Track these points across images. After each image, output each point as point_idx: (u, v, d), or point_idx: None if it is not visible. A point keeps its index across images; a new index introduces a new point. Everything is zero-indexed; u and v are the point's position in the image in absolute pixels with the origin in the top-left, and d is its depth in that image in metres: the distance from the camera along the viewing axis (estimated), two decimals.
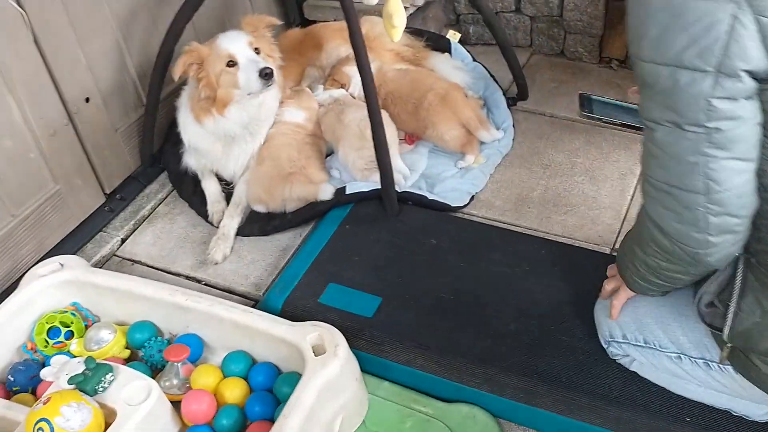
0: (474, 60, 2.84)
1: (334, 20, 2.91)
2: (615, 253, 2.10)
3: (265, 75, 2.16)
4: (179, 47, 2.26)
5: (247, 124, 2.30)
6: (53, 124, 2.19)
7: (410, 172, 2.40)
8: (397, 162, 2.34)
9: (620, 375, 1.67)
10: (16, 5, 1.99)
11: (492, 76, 2.76)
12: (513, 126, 2.59)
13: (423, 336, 1.83)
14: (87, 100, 2.29)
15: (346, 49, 2.64)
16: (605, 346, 1.68)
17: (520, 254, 2.04)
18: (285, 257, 2.23)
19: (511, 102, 2.71)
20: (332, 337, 1.69)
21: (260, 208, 2.31)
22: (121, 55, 2.39)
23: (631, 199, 2.31)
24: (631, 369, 1.66)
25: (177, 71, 2.19)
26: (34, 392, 1.80)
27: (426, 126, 2.43)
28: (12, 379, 1.82)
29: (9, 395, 1.80)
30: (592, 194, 2.34)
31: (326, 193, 2.26)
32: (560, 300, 1.88)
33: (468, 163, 2.41)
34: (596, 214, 2.27)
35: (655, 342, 1.55)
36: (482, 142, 2.48)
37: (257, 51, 2.24)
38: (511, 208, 2.32)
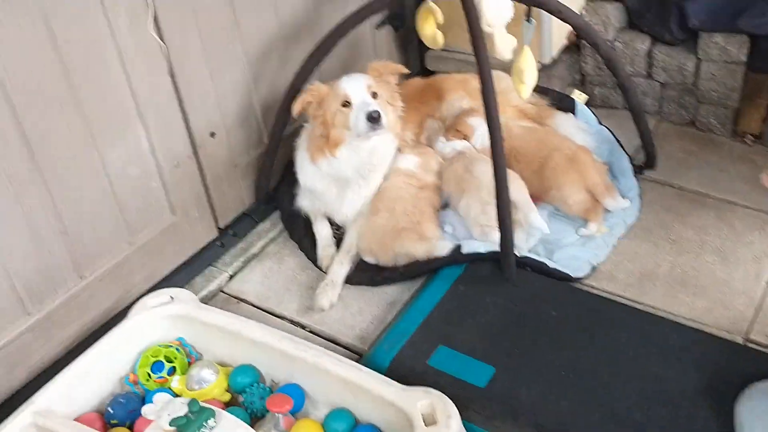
0: (599, 123, 2.74)
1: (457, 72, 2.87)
2: (749, 344, 1.95)
3: (372, 118, 2.15)
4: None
5: (359, 167, 2.28)
6: (178, 155, 2.21)
7: (528, 238, 2.29)
8: (536, 218, 2.24)
9: None
10: (157, 37, 2.03)
11: (618, 141, 2.64)
12: (639, 196, 2.46)
13: (540, 415, 1.71)
14: (212, 134, 2.30)
15: (467, 102, 2.59)
16: None
17: (648, 335, 1.89)
18: (392, 311, 2.15)
19: (638, 170, 2.57)
20: (444, 407, 1.59)
21: (371, 260, 2.24)
22: (249, 92, 2.41)
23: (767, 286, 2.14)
24: None
25: (296, 108, 2.23)
26: (131, 427, 1.77)
27: (550, 187, 2.33)
28: (112, 411, 1.80)
29: (106, 428, 1.78)
30: (724, 277, 2.17)
31: (442, 250, 2.18)
32: (692, 390, 1.73)
33: (591, 231, 2.29)
34: (728, 298, 2.10)
35: None
36: (607, 210, 2.35)
37: (375, 95, 2.23)
38: (634, 283, 2.18)
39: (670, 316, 2.04)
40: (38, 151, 1.83)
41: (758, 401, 1.51)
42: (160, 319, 1.95)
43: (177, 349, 1.93)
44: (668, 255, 2.26)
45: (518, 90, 2.32)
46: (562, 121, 2.67)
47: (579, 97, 2.83)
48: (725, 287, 2.13)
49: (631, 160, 2.57)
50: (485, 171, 2.24)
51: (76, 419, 1.75)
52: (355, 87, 2.21)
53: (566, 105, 2.76)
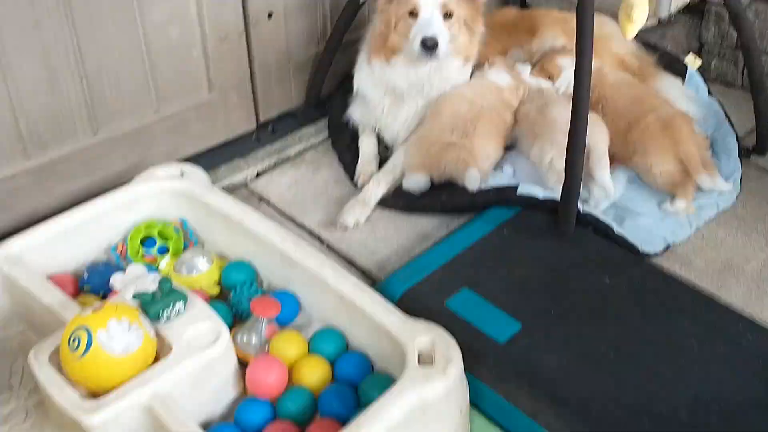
0: (709, 94, 2.36)
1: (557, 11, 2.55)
2: None
3: (426, 46, 1.90)
4: None
5: (415, 84, 2.04)
6: (227, 28, 1.99)
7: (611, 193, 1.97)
8: (604, 175, 1.93)
9: None
10: None
11: (728, 117, 2.27)
12: (740, 181, 2.09)
13: (561, 388, 1.42)
14: (270, 15, 2.08)
15: (561, 42, 2.28)
16: None
17: (717, 331, 1.56)
18: (422, 245, 1.88)
19: (745, 153, 2.19)
20: (447, 349, 1.32)
21: (417, 181, 1.96)
22: None
23: None
24: None
25: None
26: (104, 298, 1.58)
27: (635, 151, 2.00)
28: (86, 276, 1.62)
29: (77, 293, 1.59)
30: None
31: (471, 180, 1.90)
32: (754, 403, 1.40)
33: (678, 208, 1.94)
34: None
35: None
36: (699, 189, 1.99)
37: (449, 15, 1.97)
38: (714, 273, 1.83)
39: (750, 317, 1.70)
40: None
41: None
42: (165, 192, 1.76)
43: (175, 230, 1.74)
44: (761, 251, 1.90)
45: (623, 28, 1.97)
46: (667, 84, 2.32)
47: (692, 62, 2.46)
48: None
49: (739, 140, 2.20)
50: (561, 113, 1.93)
51: (50, 277, 1.57)
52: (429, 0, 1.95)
53: (676, 69, 2.40)
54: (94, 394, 1.26)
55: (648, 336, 1.54)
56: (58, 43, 1.70)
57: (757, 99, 2.13)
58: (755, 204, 2.06)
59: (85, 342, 1.22)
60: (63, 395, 1.24)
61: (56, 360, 1.30)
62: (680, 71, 2.40)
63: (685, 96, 2.30)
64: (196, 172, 1.82)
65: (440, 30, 1.94)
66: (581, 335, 1.53)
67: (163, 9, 1.85)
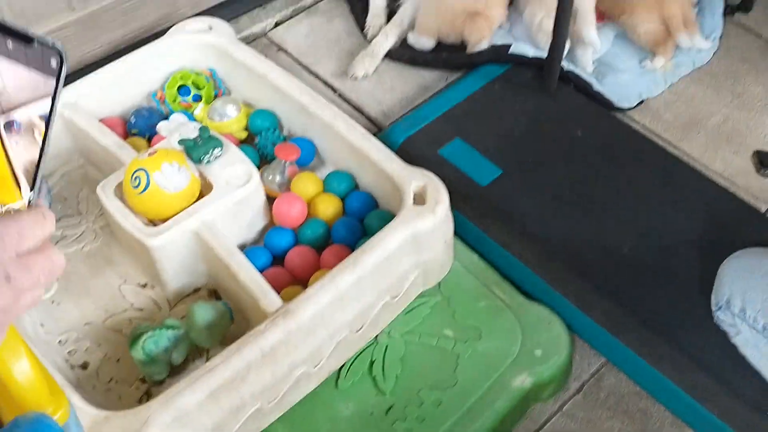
0: None
1: None
2: None
3: None
4: None
5: None
6: None
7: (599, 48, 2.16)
8: (590, 32, 2.09)
9: (717, 341, 1.52)
10: None
11: None
12: (720, 38, 2.27)
13: (530, 224, 1.73)
14: None
15: None
16: (713, 308, 1.52)
17: (668, 179, 1.84)
18: (423, 96, 2.12)
19: (729, 10, 2.35)
20: (437, 192, 1.61)
21: (424, 43, 2.15)
22: None
23: None
24: (732, 341, 1.50)
25: None
26: (149, 140, 1.86)
27: (623, 10, 2.16)
28: (133, 120, 1.88)
29: (126, 135, 1.87)
30: None
31: (482, 47, 2.09)
32: (691, 242, 1.70)
33: (656, 65, 2.14)
34: None
35: None
36: (679, 46, 2.18)
37: None
38: (679, 126, 2.08)
39: (703, 167, 1.97)
40: None
41: (745, 260, 1.48)
42: (195, 45, 1.97)
43: (207, 79, 1.97)
44: (726, 107, 2.13)
45: None
46: None
47: None
48: None
49: None
50: None
51: (101, 120, 1.84)
52: None
53: None
54: (153, 223, 1.57)
55: (608, 183, 1.82)
56: None
57: None
58: (730, 61, 2.25)
59: (145, 181, 1.51)
60: (129, 222, 1.54)
61: (119, 193, 1.59)
62: None
63: None
64: (222, 26, 2.01)
65: None
66: (551, 181, 1.82)
67: None
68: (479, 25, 2.09)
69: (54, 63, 0.70)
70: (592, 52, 2.15)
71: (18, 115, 0.72)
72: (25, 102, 0.71)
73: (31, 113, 0.71)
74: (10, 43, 0.67)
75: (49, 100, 0.70)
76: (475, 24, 2.09)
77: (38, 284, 0.68)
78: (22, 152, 0.70)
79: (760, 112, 2.11)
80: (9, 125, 0.71)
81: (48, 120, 0.70)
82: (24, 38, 0.67)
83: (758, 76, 2.21)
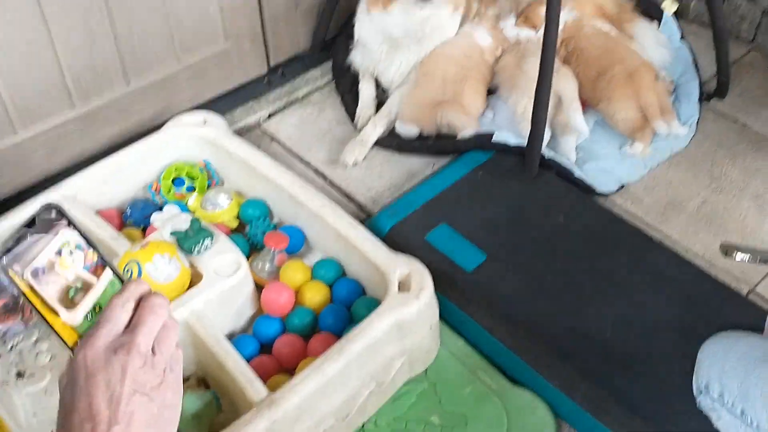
0: (682, 38, 2.58)
1: None
2: (751, 296, 1.91)
3: None
4: None
5: (410, 31, 2.25)
6: None
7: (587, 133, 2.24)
8: (577, 119, 2.18)
9: (701, 426, 1.53)
10: None
11: (696, 62, 2.50)
12: (697, 124, 2.35)
13: (514, 309, 1.76)
14: None
15: None
16: (695, 394, 1.54)
17: (647, 264, 1.88)
18: (411, 182, 2.19)
19: (705, 97, 2.45)
20: (421, 278, 1.65)
21: (410, 131, 2.24)
22: None
23: None
24: (716, 426, 1.51)
25: None
26: (144, 230, 1.92)
27: (601, 99, 2.26)
28: (129, 212, 1.95)
29: (122, 226, 1.93)
30: (753, 225, 2.10)
31: (468, 131, 2.18)
32: (672, 326, 1.73)
33: (636, 151, 2.22)
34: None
35: (755, 421, 1.39)
36: (657, 133, 2.27)
37: None
38: (659, 210, 2.14)
39: (683, 250, 2.02)
40: None
41: (721, 343, 1.51)
42: (191, 138, 2.06)
43: (200, 170, 2.04)
44: (704, 191, 2.19)
45: None
46: (643, 29, 2.53)
47: (669, 7, 2.66)
48: (750, 235, 2.07)
49: (701, 85, 2.44)
50: (536, 65, 2.18)
51: (99, 212, 1.90)
52: None
53: (653, 13, 2.61)
54: None
55: (589, 268, 1.86)
56: (94, 9, 1.95)
57: (718, 47, 2.35)
58: (707, 146, 2.33)
59: (137, 272, 1.56)
60: None
61: None
62: (657, 16, 2.62)
63: (658, 42, 2.51)
64: (216, 120, 2.10)
65: None
66: (534, 266, 1.86)
67: None
68: (457, 115, 2.19)
69: (54, 214, 0.88)
70: (577, 138, 2.22)
71: (38, 262, 0.87)
72: (41, 250, 0.88)
73: (47, 254, 0.88)
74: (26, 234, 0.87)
75: (54, 237, 0.87)
76: (452, 113, 2.19)
77: (168, 363, 0.78)
78: (52, 287, 0.86)
79: (738, 195, 2.18)
80: (35, 273, 0.86)
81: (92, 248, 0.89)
82: (27, 224, 0.87)
83: (735, 160, 2.28)
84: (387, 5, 2.23)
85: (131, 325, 0.80)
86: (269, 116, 2.42)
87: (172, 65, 2.20)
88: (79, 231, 0.91)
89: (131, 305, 0.81)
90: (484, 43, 2.34)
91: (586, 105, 2.35)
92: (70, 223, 0.90)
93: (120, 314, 0.80)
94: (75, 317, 0.87)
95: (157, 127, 2.13)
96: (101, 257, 0.92)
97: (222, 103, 2.36)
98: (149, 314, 0.80)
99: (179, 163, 2.04)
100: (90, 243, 0.91)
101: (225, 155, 2.03)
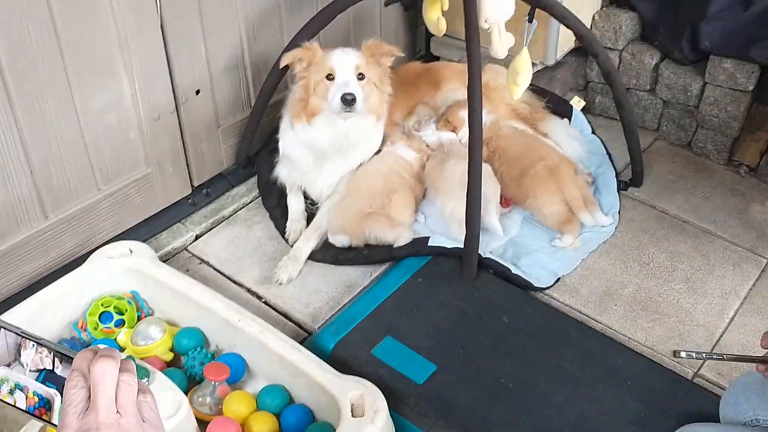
0: (593, 132, 2.70)
1: (458, 60, 2.83)
2: (697, 380, 1.93)
3: (346, 101, 2.13)
4: None
5: (335, 142, 2.27)
6: (160, 109, 2.19)
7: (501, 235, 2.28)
8: (492, 220, 2.22)
9: None
10: None
11: (609, 154, 2.61)
12: (619, 213, 2.43)
13: (471, 420, 1.71)
14: (197, 92, 2.29)
15: (463, 94, 2.53)
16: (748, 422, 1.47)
17: (595, 356, 1.88)
18: (349, 294, 2.15)
19: (623, 186, 2.54)
20: (374, 401, 1.59)
21: (342, 240, 2.22)
22: (241, 53, 2.39)
23: (729, 323, 2.11)
24: None
25: (286, 59, 2.19)
26: None
27: (527, 195, 2.31)
28: None
29: None
30: (688, 307, 2.15)
31: (403, 240, 2.17)
32: (627, 419, 1.73)
33: (566, 244, 2.26)
34: (687, 329, 2.08)
35: None
36: (584, 224, 2.33)
37: (361, 76, 2.21)
38: (596, 300, 2.16)
39: (625, 338, 2.04)
40: (14, 88, 1.82)
41: None
42: (116, 270, 1.96)
43: (129, 302, 1.94)
44: (636, 277, 2.24)
45: (510, 90, 2.28)
46: (555, 126, 2.63)
47: (577, 103, 2.79)
48: (687, 318, 2.12)
49: (618, 175, 2.54)
50: (457, 168, 2.22)
51: None
52: (343, 63, 2.18)
53: (563, 110, 2.73)
54: None
55: (540, 366, 1.85)
56: (7, 142, 1.87)
57: (630, 142, 2.47)
58: (632, 233, 2.40)
59: None
60: None
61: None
62: (567, 112, 2.74)
63: (571, 137, 2.62)
64: (141, 248, 2.02)
65: (356, 88, 2.15)
66: (486, 371, 1.83)
67: (100, 99, 2.03)
68: (382, 228, 2.18)
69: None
70: (498, 236, 2.26)
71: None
72: None
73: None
74: None
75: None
76: (378, 227, 2.18)
77: (138, 415, 0.82)
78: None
79: (668, 279, 2.23)
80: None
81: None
82: None
83: (659, 244, 2.36)
84: (310, 119, 2.24)
85: (90, 403, 0.82)
86: (196, 238, 2.35)
87: (92, 195, 2.13)
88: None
89: (82, 381, 0.82)
90: (409, 157, 2.37)
91: (513, 203, 2.40)
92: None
93: (77, 395, 0.82)
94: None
95: (80, 261, 2.03)
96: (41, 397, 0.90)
97: (146, 229, 2.28)
98: (99, 384, 0.81)
99: (105, 297, 1.93)
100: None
101: (153, 284, 1.95)
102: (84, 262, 1.99)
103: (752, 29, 2.53)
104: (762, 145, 2.67)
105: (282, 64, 2.20)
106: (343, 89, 2.13)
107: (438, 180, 2.29)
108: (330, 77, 2.19)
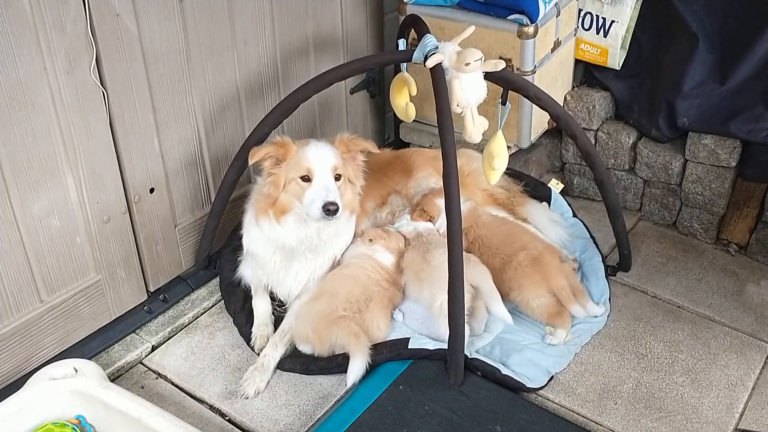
0: (574, 215, 2.58)
1: (430, 146, 2.72)
2: None
3: (328, 211, 1.98)
4: None
5: (305, 240, 2.09)
6: (109, 210, 2.03)
7: (484, 333, 2.10)
8: (498, 308, 2.06)
9: None
10: (97, 82, 1.86)
11: (593, 237, 2.48)
12: (609, 300, 2.28)
13: None
14: (152, 190, 2.13)
15: (436, 181, 2.43)
16: None
17: None
18: (323, 407, 1.94)
19: (610, 271, 2.40)
20: None
21: (306, 349, 2.03)
22: (199, 147, 2.25)
23: (740, 417, 1.93)
24: None
25: (256, 155, 2.02)
26: None
27: (511, 288, 2.15)
28: None
29: None
30: (693, 402, 1.97)
31: (360, 361, 1.93)
32: None
33: (560, 339, 2.09)
34: (695, 427, 1.90)
35: None
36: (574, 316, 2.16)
37: (338, 177, 2.06)
38: (594, 399, 1.98)
39: None
40: None
41: None
42: (59, 394, 1.75)
43: (74, 428, 1.71)
44: (634, 371, 2.07)
45: (487, 175, 2.15)
46: (535, 210, 2.51)
47: (555, 186, 2.68)
48: (693, 414, 1.94)
49: (605, 259, 2.40)
50: (444, 259, 2.06)
51: None
52: (321, 164, 2.03)
53: (541, 193, 2.61)
54: None
55: None
56: None
57: (615, 224, 2.34)
58: (625, 322, 2.24)
59: None
60: None
61: None
62: (546, 195, 2.61)
63: (552, 221, 2.48)
64: (89, 367, 1.82)
65: (336, 194, 2.01)
66: None
67: (42, 202, 1.87)
68: (349, 327, 1.99)
69: None
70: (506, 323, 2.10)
71: None
72: None
73: None
74: None
75: None
76: (342, 326, 1.99)
77: None
78: None
79: (668, 371, 2.06)
80: None
81: None
82: None
83: (655, 332, 2.20)
84: (279, 217, 2.06)
85: None
86: (153, 349, 2.14)
87: (34, 307, 1.93)
88: None
89: None
90: (387, 261, 2.21)
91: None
92: None
93: None
94: None
95: (18, 384, 1.80)
96: None
97: (97, 342, 2.07)
98: None
99: (47, 425, 1.71)
100: None
101: (102, 409, 1.73)
102: (23, 385, 1.78)
103: (730, 104, 2.46)
104: (750, 221, 2.56)
105: (251, 161, 2.04)
106: (324, 197, 1.98)
107: (424, 270, 2.12)
108: (305, 178, 2.03)
